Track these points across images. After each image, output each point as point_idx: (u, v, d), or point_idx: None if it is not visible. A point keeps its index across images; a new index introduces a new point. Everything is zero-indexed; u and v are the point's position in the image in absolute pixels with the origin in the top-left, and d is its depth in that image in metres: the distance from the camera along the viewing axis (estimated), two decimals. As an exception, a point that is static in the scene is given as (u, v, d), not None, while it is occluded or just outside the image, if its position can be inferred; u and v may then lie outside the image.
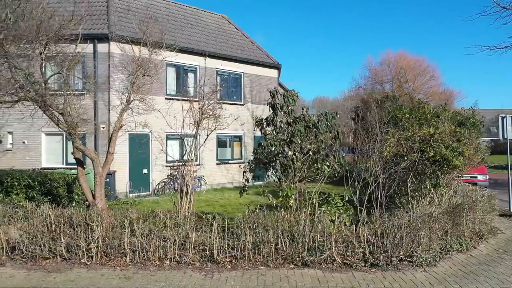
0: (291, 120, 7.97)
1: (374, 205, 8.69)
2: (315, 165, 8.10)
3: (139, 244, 7.52)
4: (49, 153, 16.19)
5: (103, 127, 15.97)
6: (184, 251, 7.64)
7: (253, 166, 9.25)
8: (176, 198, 9.19)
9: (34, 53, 8.01)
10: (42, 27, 7.55)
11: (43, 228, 7.61)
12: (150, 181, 17.30)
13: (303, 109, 8.43)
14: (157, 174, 17.43)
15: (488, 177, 17.32)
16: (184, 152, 9.32)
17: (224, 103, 19.27)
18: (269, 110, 8.35)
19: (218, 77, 19.88)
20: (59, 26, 7.80)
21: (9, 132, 16.10)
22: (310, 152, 7.89)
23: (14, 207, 7.94)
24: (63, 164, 16.07)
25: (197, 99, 10.45)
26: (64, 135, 16.21)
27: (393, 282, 6.75)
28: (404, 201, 9.67)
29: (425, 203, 9.26)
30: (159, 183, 17.35)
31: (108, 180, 14.91)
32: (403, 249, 7.51)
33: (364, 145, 9.62)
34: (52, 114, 8.70)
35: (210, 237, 7.55)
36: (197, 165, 18.95)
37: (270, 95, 8.26)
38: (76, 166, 15.56)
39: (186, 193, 8.91)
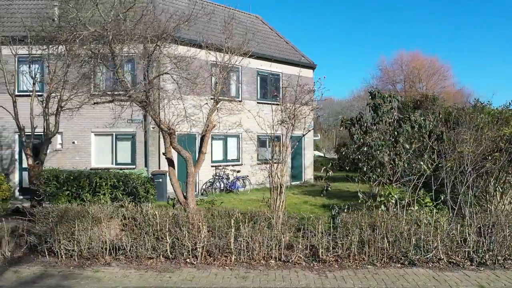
0: (391, 120, 8.00)
1: (461, 205, 8.72)
2: (413, 165, 8.12)
3: (245, 244, 7.55)
4: (99, 154, 16.19)
5: (153, 127, 15.98)
6: (288, 250, 7.69)
7: (337, 164, 9.25)
8: (270, 197, 9.18)
9: (141, 53, 8.03)
10: (155, 27, 7.56)
11: (147, 228, 7.63)
12: (197, 181, 17.28)
13: (396, 108, 8.46)
14: (203, 174, 17.43)
15: None
16: (273, 152, 9.29)
17: (264, 104, 19.39)
18: (369, 110, 8.38)
19: (259, 78, 19.93)
20: (175, 26, 7.80)
21: (59, 133, 16.08)
22: (410, 152, 7.91)
23: (116, 207, 7.96)
24: (112, 164, 16.08)
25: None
26: (114, 135, 16.28)
27: None
28: (482, 200, 9.70)
29: (505, 202, 9.32)
30: (205, 183, 17.36)
31: (161, 180, 14.96)
32: (509, 248, 7.55)
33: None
34: (155, 114, 8.70)
35: (314, 236, 7.60)
36: (240, 165, 19.09)
37: (371, 95, 8.30)
38: (126, 166, 15.76)
39: (280, 192, 8.90)
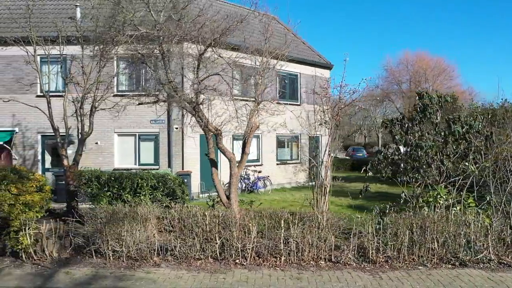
0: (438, 121, 7.99)
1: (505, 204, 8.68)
2: (458, 165, 8.10)
3: (295, 244, 7.54)
4: (122, 154, 16.17)
5: (176, 128, 15.97)
6: (335, 251, 7.68)
7: (377, 165, 9.24)
8: (314, 197, 9.16)
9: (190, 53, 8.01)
10: (212, 28, 7.54)
11: (197, 229, 7.61)
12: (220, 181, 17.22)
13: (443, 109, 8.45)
14: (225, 174, 17.37)
15: None
16: (318, 151, 9.28)
17: (284, 104, 19.37)
18: (417, 111, 8.35)
19: (278, 78, 19.88)
20: (227, 27, 7.78)
21: (62, 134, 16.08)
22: (458, 152, 7.90)
23: (163, 207, 7.95)
24: (135, 165, 16.06)
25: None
26: (137, 135, 16.27)
27: None
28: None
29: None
30: (226, 184, 17.29)
31: (186, 180, 14.93)
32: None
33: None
34: (203, 115, 8.67)
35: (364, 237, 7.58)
36: (260, 165, 19.07)
37: (418, 96, 8.29)
38: (149, 167, 15.70)
39: (324, 193, 8.88)
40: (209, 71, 8.36)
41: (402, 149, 9.39)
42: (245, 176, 17.70)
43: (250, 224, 7.53)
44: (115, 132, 16.04)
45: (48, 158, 16.50)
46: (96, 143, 16.04)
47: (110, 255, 7.68)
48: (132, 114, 14.43)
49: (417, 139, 8.11)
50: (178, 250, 7.61)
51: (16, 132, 15.96)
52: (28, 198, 7.99)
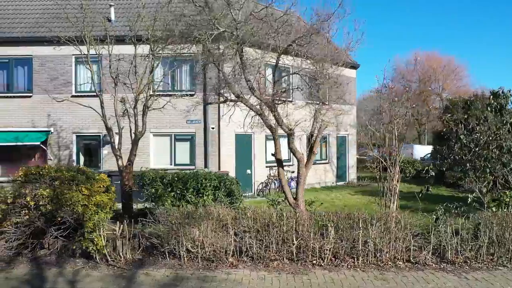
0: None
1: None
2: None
3: (373, 245, 7.47)
4: (157, 154, 16.09)
5: (213, 128, 15.90)
6: (414, 251, 7.61)
7: (441, 165, 9.17)
8: (384, 198, 9.09)
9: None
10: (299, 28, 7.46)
11: (273, 229, 7.54)
12: (253, 181, 17.21)
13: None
14: (259, 175, 17.35)
15: None
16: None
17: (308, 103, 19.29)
18: (491, 110, 8.27)
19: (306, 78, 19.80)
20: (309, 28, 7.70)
21: (117, 133, 15.98)
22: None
23: (238, 208, 7.88)
24: (171, 165, 15.98)
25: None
26: (173, 135, 16.20)
27: None
28: None
29: None
30: (260, 184, 17.27)
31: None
32: None
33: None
34: (278, 115, 8.60)
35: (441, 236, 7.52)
36: (291, 165, 18.97)
37: (493, 95, 8.23)
38: (185, 167, 15.62)
39: (394, 194, 8.81)
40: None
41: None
42: (279, 177, 17.57)
43: (329, 225, 7.46)
44: (150, 132, 15.93)
45: (81, 158, 16.42)
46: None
47: (185, 256, 7.62)
48: (168, 114, 14.39)
49: (491, 138, 8.04)
50: (254, 251, 7.56)
51: (51, 132, 15.89)
52: (99, 199, 7.94)
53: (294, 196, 8.79)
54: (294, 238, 7.50)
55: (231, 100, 8.74)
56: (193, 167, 15.87)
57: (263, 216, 7.68)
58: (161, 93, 14.60)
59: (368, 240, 7.46)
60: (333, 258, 7.61)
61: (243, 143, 16.71)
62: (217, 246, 7.57)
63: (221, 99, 8.90)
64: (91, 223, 7.57)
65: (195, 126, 15.89)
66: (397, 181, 8.84)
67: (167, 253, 7.75)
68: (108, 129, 11.00)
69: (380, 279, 6.83)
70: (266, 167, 17.66)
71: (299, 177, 8.96)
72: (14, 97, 16.03)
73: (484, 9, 77.36)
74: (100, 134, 15.97)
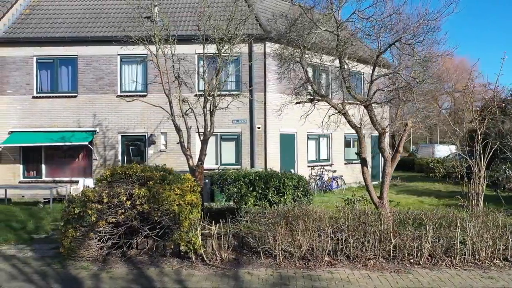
0: None
1: None
2: None
3: (471, 244, 7.47)
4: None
5: (259, 127, 15.91)
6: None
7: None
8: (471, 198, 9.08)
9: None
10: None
11: (371, 228, 7.54)
12: (296, 181, 17.16)
13: None
14: (301, 174, 17.31)
15: None
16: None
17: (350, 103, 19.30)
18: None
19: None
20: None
21: (163, 133, 16.03)
22: None
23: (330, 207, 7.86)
24: (216, 164, 16.00)
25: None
26: (218, 135, 16.18)
27: None
28: None
29: None
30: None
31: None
32: None
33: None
34: (373, 115, 8.60)
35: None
36: (330, 165, 19.00)
37: None
38: (231, 167, 15.61)
39: (480, 194, 8.80)
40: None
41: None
42: (319, 176, 17.64)
43: (427, 223, 7.47)
44: (196, 132, 15.88)
45: (126, 158, 16.41)
46: (178, 143, 15.93)
47: (280, 255, 7.62)
48: (218, 114, 14.38)
49: None
50: (351, 250, 7.56)
51: (96, 132, 15.88)
52: (190, 198, 7.93)
53: (378, 195, 8.79)
54: (392, 237, 7.50)
55: (317, 99, 8.71)
56: (239, 166, 15.89)
57: (358, 215, 7.69)
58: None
59: (466, 239, 7.47)
60: (429, 257, 7.63)
61: (287, 143, 16.73)
62: (314, 245, 7.58)
63: (303, 98, 8.86)
64: (187, 222, 7.57)
65: (241, 125, 15.90)
66: (483, 183, 8.83)
67: (261, 252, 7.76)
68: (178, 128, 10.97)
69: (487, 278, 6.83)
70: (308, 166, 17.67)
71: (385, 176, 8.96)
72: (59, 97, 16.02)
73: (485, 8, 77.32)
74: (146, 134, 15.99)
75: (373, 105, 9.00)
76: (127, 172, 8.52)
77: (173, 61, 11.38)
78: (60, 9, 17.52)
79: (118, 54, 15.90)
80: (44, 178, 16.10)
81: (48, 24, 16.59)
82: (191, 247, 7.55)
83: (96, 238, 7.83)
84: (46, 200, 14.68)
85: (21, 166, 16.10)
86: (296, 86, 8.89)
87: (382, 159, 21.78)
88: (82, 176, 15.99)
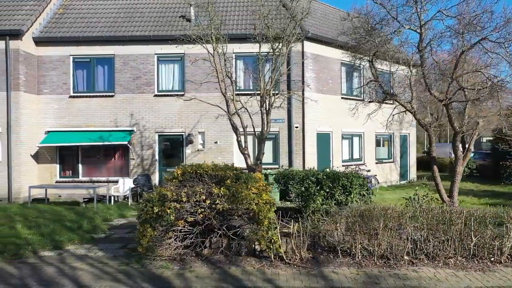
0: None
1: None
2: None
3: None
4: (240, 153, 15.98)
5: (297, 127, 15.90)
6: None
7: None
8: None
9: None
10: None
11: (452, 227, 7.53)
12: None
13: None
14: (336, 173, 17.32)
15: None
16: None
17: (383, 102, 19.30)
18: None
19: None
20: None
21: (200, 133, 16.01)
22: None
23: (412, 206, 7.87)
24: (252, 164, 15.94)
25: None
26: (256, 134, 16.11)
27: None
28: None
29: None
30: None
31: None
32: None
33: None
34: (451, 114, 8.59)
35: None
36: (362, 164, 18.98)
37: None
38: (269, 166, 15.58)
39: None
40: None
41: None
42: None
43: (508, 223, 7.46)
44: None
45: (163, 157, 16.37)
46: (216, 142, 15.96)
47: (359, 254, 7.61)
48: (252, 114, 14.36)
49: None
50: (430, 249, 7.55)
51: (134, 132, 15.85)
52: (266, 197, 7.91)
53: (448, 194, 8.78)
54: (473, 236, 7.49)
55: (389, 100, 8.70)
56: (277, 166, 15.89)
57: (438, 214, 7.68)
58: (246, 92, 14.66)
59: (547, 237, 7.47)
60: (508, 256, 7.62)
61: (323, 142, 16.72)
62: (393, 244, 7.57)
63: (374, 97, 8.87)
64: (267, 221, 7.55)
65: (278, 125, 15.87)
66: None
67: (339, 251, 7.75)
68: (235, 128, 10.97)
69: None
70: (342, 166, 17.63)
71: (456, 175, 8.96)
72: (95, 96, 15.98)
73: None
74: (183, 133, 15.97)
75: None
76: (198, 171, 8.51)
77: (225, 61, 11.38)
78: (94, 8, 17.49)
79: (155, 54, 15.88)
80: (80, 178, 16.08)
81: (84, 23, 16.56)
82: (271, 246, 7.53)
83: (173, 238, 7.81)
84: (86, 199, 14.67)
85: (57, 166, 16.07)
86: (363, 86, 8.88)
87: (409, 158, 21.80)
88: (119, 175, 15.97)
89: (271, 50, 11.11)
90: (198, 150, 15.94)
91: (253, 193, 7.76)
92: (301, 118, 15.87)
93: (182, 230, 7.74)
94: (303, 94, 15.78)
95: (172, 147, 16.22)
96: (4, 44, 14.77)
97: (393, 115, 9.28)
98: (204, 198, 7.68)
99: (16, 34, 14.84)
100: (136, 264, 7.64)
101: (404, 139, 21.48)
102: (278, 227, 7.61)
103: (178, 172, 8.49)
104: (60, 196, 15.76)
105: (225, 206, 7.59)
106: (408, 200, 9.38)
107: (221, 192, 7.63)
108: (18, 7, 16.04)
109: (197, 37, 10.50)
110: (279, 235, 7.56)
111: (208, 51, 10.74)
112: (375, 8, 7.64)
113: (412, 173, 22.00)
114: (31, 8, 15.99)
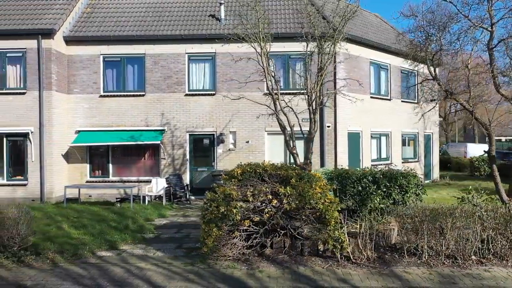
0: None
1: None
2: None
3: None
4: (272, 153, 15.97)
5: (329, 126, 15.84)
6: None
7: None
8: None
9: None
10: None
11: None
12: (361, 180, 17.10)
13: None
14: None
15: None
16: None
17: (405, 102, 19.28)
18: None
19: (401, 75, 19.79)
20: None
21: (231, 132, 15.94)
22: None
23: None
24: (285, 164, 15.88)
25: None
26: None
27: None
28: None
29: None
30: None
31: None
32: None
33: None
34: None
35: None
36: (390, 164, 18.92)
37: None
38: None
39: None
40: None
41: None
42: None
43: None
44: (265, 131, 15.87)
45: (194, 157, 16.29)
46: (247, 142, 15.89)
47: (426, 253, 7.56)
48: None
49: None
50: (499, 248, 7.51)
51: (165, 131, 15.78)
52: (331, 196, 7.87)
53: (507, 194, 8.74)
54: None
55: (450, 97, 8.66)
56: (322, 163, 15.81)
57: (506, 213, 7.64)
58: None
59: None
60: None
61: (353, 142, 16.67)
62: (460, 244, 7.52)
63: (433, 96, 8.83)
64: (333, 220, 7.50)
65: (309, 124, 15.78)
66: None
67: (405, 251, 7.71)
68: (283, 127, 10.93)
69: None
70: (372, 165, 17.57)
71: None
72: (126, 96, 15.90)
73: None
74: (214, 132, 15.90)
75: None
76: (257, 170, 8.46)
77: (267, 60, 11.31)
78: (122, 7, 17.41)
79: (186, 53, 15.81)
80: (111, 178, 16.00)
81: (113, 22, 16.48)
82: (338, 246, 7.48)
83: (238, 238, 7.77)
84: (118, 199, 14.60)
85: (88, 166, 15.99)
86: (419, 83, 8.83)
87: (432, 158, 21.75)
88: (149, 175, 15.90)
89: (305, 50, 11.09)
90: (229, 149, 15.87)
91: (319, 192, 7.72)
92: (333, 117, 15.80)
93: (247, 230, 7.69)
94: (335, 93, 15.74)
95: (203, 146, 16.14)
96: (37, 43, 14.69)
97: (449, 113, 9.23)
98: (270, 197, 7.64)
99: (48, 33, 14.77)
100: (201, 264, 7.59)
101: (428, 139, 21.43)
102: (345, 227, 7.56)
103: (238, 171, 8.44)
104: (90, 196, 15.68)
105: (291, 206, 7.54)
106: (461, 200, 9.32)
107: (288, 191, 7.57)
108: (48, 6, 15.97)
109: (245, 36, 10.43)
110: (346, 235, 7.51)
111: (255, 50, 10.69)
112: (437, 6, 7.60)
113: (436, 173, 21.94)
114: (61, 7, 15.92)
